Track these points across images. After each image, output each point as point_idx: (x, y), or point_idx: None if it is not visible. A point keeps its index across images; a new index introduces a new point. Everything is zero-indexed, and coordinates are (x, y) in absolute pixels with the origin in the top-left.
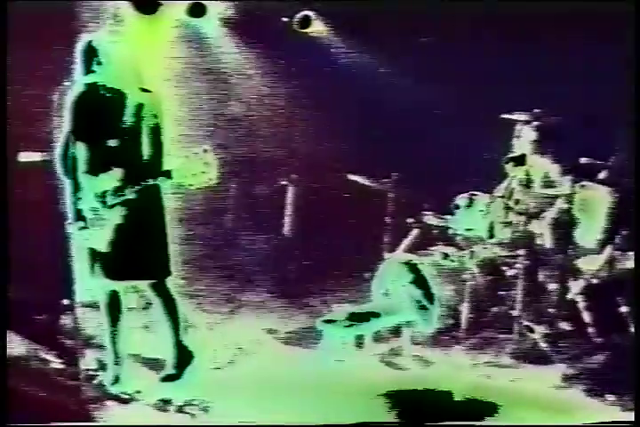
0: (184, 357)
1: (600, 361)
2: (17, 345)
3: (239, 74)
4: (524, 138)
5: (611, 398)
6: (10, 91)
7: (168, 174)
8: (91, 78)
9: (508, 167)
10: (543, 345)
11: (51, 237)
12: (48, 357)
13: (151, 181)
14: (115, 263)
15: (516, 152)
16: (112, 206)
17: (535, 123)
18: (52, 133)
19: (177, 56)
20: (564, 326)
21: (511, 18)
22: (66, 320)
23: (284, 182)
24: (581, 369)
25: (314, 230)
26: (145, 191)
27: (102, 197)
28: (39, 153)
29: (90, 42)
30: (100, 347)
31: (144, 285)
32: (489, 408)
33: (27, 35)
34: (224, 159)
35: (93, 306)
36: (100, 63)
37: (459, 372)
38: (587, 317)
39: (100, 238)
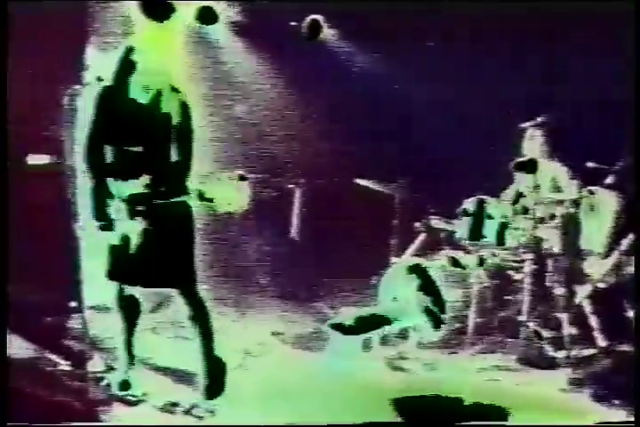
0: (216, 369)
1: (607, 366)
2: (24, 347)
3: (247, 77)
4: (534, 142)
5: (617, 402)
6: (18, 92)
7: (201, 196)
8: (121, 80)
9: (519, 174)
10: (550, 349)
11: (59, 238)
12: (55, 359)
13: (181, 198)
14: (137, 268)
15: (526, 156)
16: (138, 213)
17: (543, 127)
18: (62, 136)
19: (187, 61)
20: (571, 330)
21: (512, 19)
22: (73, 322)
23: (291, 186)
24: (588, 374)
25: (321, 234)
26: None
27: (129, 201)
28: (48, 155)
29: (126, 45)
30: (108, 349)
31: (173, 292)
32: (495, 413)
33: (36, 36)
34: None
35: (101, 308)
36: (133, 66)
37: (465, 376)
38: (593, 321)
39: (123, 241)
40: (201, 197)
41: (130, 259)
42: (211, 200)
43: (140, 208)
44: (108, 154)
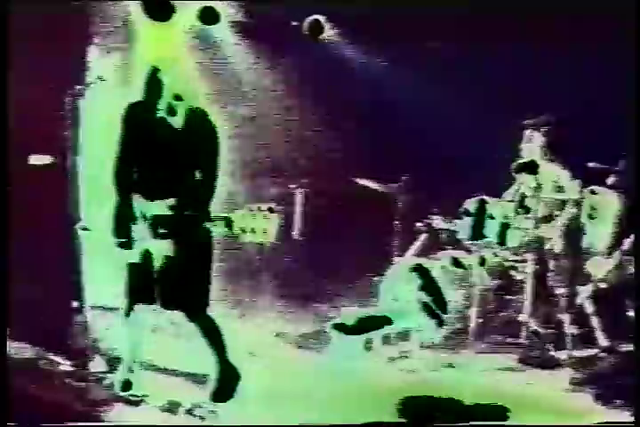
0: (229, 376)
1: (608, 366)
2: (26, 347)
3: (249, 78)
4: (534, 143)
5: (619, 402)
6: (20, 93)
7: (229, 225)
8: (148, 100)
9: (520, 175)
10: (551, 349)
11: (61, 238)
12: (57, 359)
13: (209, 225)
14: (154, 289)
15: (526, 157)
16: (160, 234)
17: (544, 127)
18: (64, 136)
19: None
20: (573, 330)
21: (512, 19)
22: (75, 323)
23: (293, 186)
24: (589, 374)
25: (323, 234)
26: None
27: (152, 222)
28: (49, 156)
29: (152, 67)
30: (109, 349)
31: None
32: (497, 413)
33: (36, 36)
34: (234, 162)
35: (102, 309)
36: (159, 88)
37: (467, 376)
38: (595, 321)
39: (142, 261)
40: (230, 226)
41: (148, 279)
42: (241, 230)
43: (162, 230)
44: (136, 173)
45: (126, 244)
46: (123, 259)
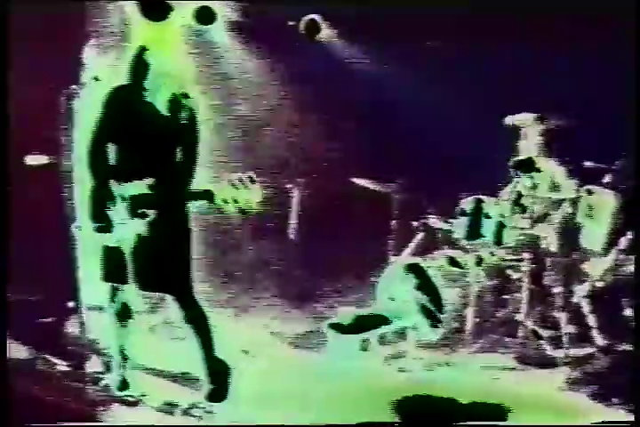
0: (219, 371)
1: (605, 364)
2: (22, 348)
3: (245, 77)
4: (530, 141)
5: (615, 401)
6: (18, 93)
7: (210, 198)
8: (132, 81)
9: (517, 173)
10: (548, 348)
11: (57, 239)
12: (53, 359)
13: (192, 202)
14: (133, 271)
15: (523, 155)
16: (139, 215)
17: (540, 126)
18: (60, 136)
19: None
20: (569, 329)
21: (513, 19)
22: (71, 323)
23: (289, 186)
24: (586, 373)
25: (319, 234)
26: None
27: (130, 202)
28: (46, 156)
29: (140, 46)
30: (106, 349)
31: (168, 298)
32: (494, 412)
33: (33, 36)
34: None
35: (99, 309)
36: (146, 67)
37: (464, 375)
38: (592, 320)
39: (120, 243)
40: (211, 198)
41: (126, 262)
42: (223, 202)
43: (141, 211)
44: (113, 154)
45: (105, 228)
46: (101, 242)
